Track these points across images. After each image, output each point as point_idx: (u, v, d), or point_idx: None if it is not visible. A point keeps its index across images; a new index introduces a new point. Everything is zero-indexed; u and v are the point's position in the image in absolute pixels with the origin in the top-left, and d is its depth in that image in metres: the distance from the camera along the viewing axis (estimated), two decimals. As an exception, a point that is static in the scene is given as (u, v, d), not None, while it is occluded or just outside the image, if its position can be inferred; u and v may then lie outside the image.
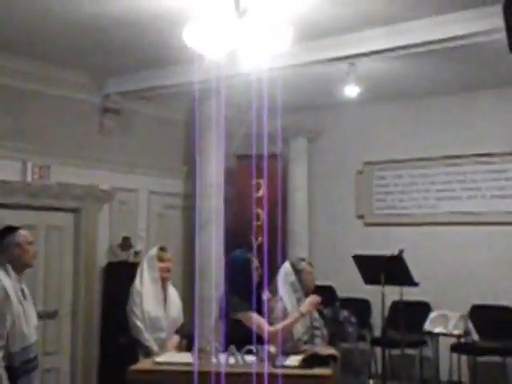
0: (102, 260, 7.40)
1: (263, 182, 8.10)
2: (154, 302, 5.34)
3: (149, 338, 5.20)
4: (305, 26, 5.30)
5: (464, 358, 7.19)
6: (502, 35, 4.91)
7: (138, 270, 5.50)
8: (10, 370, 4.03)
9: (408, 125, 8.39)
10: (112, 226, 7.54)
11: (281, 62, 5.15)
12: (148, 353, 5.13)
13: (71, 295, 7.15)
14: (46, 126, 6.87)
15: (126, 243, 7.53)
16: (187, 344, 7.95)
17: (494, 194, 7.82)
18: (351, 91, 6.79)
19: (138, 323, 5.23)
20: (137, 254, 7.54)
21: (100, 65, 6.80)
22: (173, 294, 5.57)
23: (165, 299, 5.45)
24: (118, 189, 7.57)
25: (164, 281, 5.46)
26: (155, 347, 5.19)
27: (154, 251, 5.55)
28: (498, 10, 4.83)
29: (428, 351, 7.63)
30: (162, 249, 5.60)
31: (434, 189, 8.25)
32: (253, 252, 4.88)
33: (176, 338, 5.46)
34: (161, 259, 5.47)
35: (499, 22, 4.85)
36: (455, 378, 7.20)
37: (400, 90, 7.85)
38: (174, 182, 8.35)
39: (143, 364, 4.32)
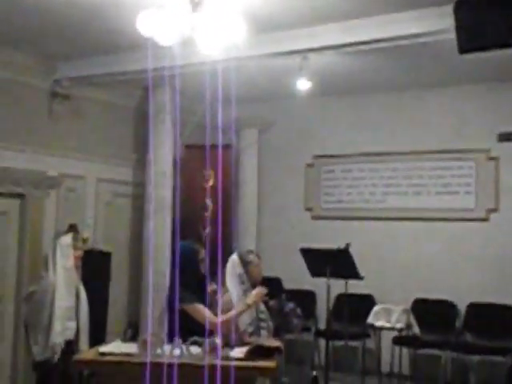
0: (47, 247, 7.28)
1: (213, 172, 8.11)
2: (67, 290, 5.25)
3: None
4: (259, 19, 5.33)
5: (405, 350, 7.35)
6: (451, 35, 5.03)
7: (50, 259, 5.34)
8: None
9: (358, 120, 8.49)
10: (59, 213, 7.43)
11: (235, 53, 5.15)
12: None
13: (15, 282, 7.03)
14: (-8, 109, 6.73)
15: (72, 230, 7.42)
16: (132, 334, 7.91)
17: (440, 190, 7.98)
18: (303, 85, 6.83)
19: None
20: (84, 241, 7.44)
21: (50, 49, 6.66)
22: (80, 283, 5.48)
23: (77, 288, 5.36)
24: (66, 175, 7.47)
25: (77, 269, 5.38)
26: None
27: (68, 239, 5.44)
28: (448, 10, 4.95)
29: (371, 343, 7.78)
30: (75, 237, 5.52)
31: (381, 184, 8.38)
32: (201, 243, 4.89)
33: None
34: (75, 247, 5.38)
35: (449, 22, 4.97)
36: (396, 369, 7.34)
37: (351, 85, 7.93)
38: (124, 169, 8.27)
39: (87, 354, 4.29)
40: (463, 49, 4.93)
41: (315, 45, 5.78)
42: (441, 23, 5.18)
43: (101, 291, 7.36)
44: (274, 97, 8.52)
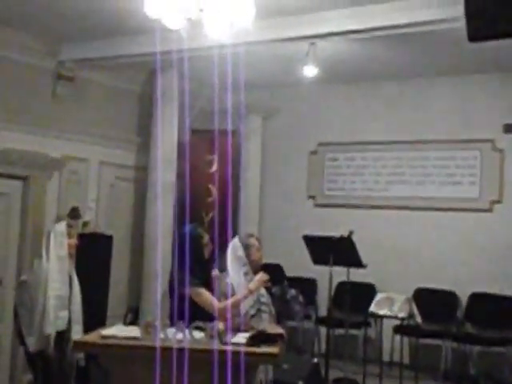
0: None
1: (216, 157, 8.09)
2: (60, 279, 5.15)
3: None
4: (267, 3, 5.27)
5: (406, 339, 7.34)
6: (461, 23, 4.97)
7: (44, 247, 5.15)
8: None
9: (363, 108, 8.45)
10: (61, 195, 7.41)
11: (242, 37, 5.11)
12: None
13: (16, 264, 7.00)
14: (-5, 90, 6.68)
15: (74, 213, 7.40)
16: (132, 318, 7.90)
17: (444, 180, 7.95)
18: (310, 71, 6.79)
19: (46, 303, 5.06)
20: (85, 224, 7.43)
21: (55, 30, 6.62)
22: (74, 272, 5.38)
23: (70, 277, 5.26)
24: (69, 158, 7.43)
25: (71, 257, 5.27)
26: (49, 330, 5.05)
27: (62, 227, 5.21)
28: (459, -2, 4.90)
29: (371, 332, 7.77)
30: (69, 224, 5.39)
31: (385, 172, 8.34)
32: (205, 228, 4.87)
33: None
34: (70, 235, 5.27)
35: (459, 9, 4.90)
36: (396, 358, 7.35)
37: (357, 72, 7.88)
38: (127, 153, 8.23)
39: (88, 337, 4.27)
40: (473, 36, 4.89)
41: (323, 31, 5.73)
42: (450, 10, 5.12)
43: (102, 275, 7.36)
44: (279, 83, 8.47)
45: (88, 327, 5.31)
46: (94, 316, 5.60)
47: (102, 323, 6.49)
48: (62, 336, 5.11)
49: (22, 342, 5.12)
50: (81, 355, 5.22)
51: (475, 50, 5.75)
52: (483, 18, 4.77)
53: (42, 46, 7.01)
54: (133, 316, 7.97)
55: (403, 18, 5.34)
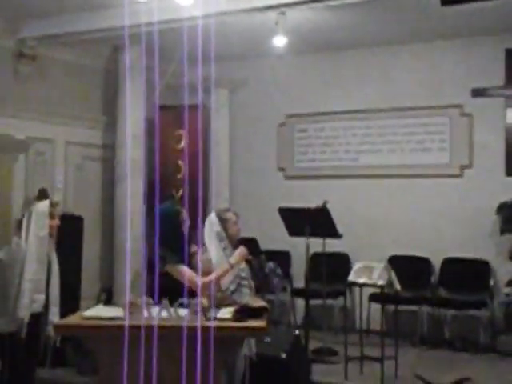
0: (17, 212, 7.10)
1: (185, 133, 7.98)
2: (38, 261, 5.02)
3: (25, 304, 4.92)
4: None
5: (380, 306, 7.38)
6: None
7: (24, 226, 5.09)
8: None
9: (331, 77, 8.40)
10: (28, 177, 7.25)
11: (211, 9, 5.01)
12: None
13: (-16, 249, 6.85)
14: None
15: (42, 195, 7.23)
16: (106, 298, 7.79)
17: (414, 147, 7.97)
18: (279, 41, 6.71)
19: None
20: (54, 206, 7.28)
21: (15, 6, 6.41)
22: (54, 253, 5.25)
23: (49, 258, 5.14)
24: (34, 139, 7.27)
25: (51, 238, 5.14)
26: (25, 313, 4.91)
27: (45, 207, 5.10)
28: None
29: (347, 301, 7.80)
30: (52, 204, 5.26)
31: (354, 142, 8.33)
32: (182, 204, 4.79)
33: None
34: (52, 216, 5.14)
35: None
36: (373, 326, 7.39)
37: (326, 41, 7.82)
38: (93, 132, 8.09)
39: (70, 319, 4.17)
40: (445, 0, 4.87)
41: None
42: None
43: (74, 256, 7.23)
44: (246, 55, 8.36)
45: (62, 309, 5.22)
46: (68, 298, 5.50)
47: (75, 305, 6.41)
48: (37, 318, 5.00)
49: None
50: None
51: (441, 15, 5.75)
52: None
53: (1, 23, 6.79)
54: (106, 295, 7.88)
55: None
